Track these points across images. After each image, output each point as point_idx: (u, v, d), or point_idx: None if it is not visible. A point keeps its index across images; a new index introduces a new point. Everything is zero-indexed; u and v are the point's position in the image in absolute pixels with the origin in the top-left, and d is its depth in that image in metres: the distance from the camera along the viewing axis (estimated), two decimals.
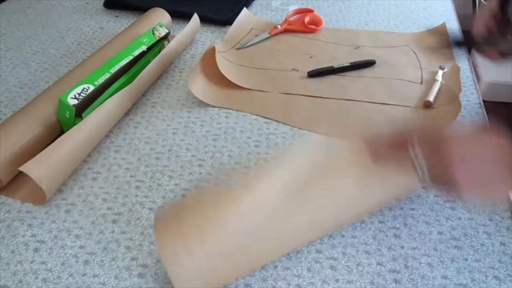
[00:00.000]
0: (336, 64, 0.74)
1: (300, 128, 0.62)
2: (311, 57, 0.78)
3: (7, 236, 0.48)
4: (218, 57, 0.70)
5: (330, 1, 1.01)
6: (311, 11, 0.89)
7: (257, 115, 0.65)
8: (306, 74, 0.73)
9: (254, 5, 0.98)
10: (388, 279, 0.44)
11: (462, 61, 0.78)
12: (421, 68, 0.75)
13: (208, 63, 0.70)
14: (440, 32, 0.83)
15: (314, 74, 0.73)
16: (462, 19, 0.96)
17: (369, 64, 0.76)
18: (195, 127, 0.63)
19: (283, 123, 0.63)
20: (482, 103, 0.68)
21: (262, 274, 0.44)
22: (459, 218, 0.50)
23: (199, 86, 0.67)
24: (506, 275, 0.44)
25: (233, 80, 0.69)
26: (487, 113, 0.66)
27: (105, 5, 0.97)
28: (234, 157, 0.58)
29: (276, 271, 0.45)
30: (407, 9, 0.97)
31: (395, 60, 0.78)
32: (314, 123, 0.63)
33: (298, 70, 0.75)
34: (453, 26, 0.89)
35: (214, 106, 0.66)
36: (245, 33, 0.83)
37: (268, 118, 0.64)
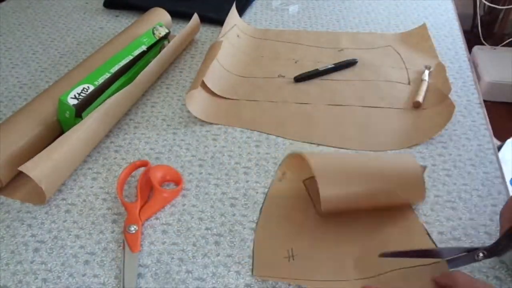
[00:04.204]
0: (321, 67, 0.74)
1: (294, 140, 0.61)
2: (296, 62, 0.78)
3: (7, 236, 0.48)
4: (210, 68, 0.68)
5: (330, 1, 1.01)
6: (145, 163, 0.54)
7: (250, 130, 0.63)
8: (293, 80, 0.72)
9: (254, 5, 0.98)
10: None
11: (463, 60, 0.78)
12: (406, 68, 0.75)
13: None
14: (420, 33, 0.83)
15: (301, 78, 0.72)
16: (463, 19, 0.96)
17: (351, 63, 0.76)
18: (195, 127, 0.63)
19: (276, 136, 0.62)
20: (483, 103, 0.68)
21: None
22: (460, 218, 0.50)
23: (196, 101, 0.65)
24: (507, 275, 0.44)
25: (219, 93, 0.68)
26: (487, 113, 0.66)
27: (105, 5, 0.97)
28: (234, 157, 0.58)
29: None
30: (408, 9, 0.97)
31: (380, 61, 0.77)
32: (308, 133, 0.62)
33: (284, 76, 0.73)
34: (454, 26, 0.89)
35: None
36: (229, 27, 0.82)
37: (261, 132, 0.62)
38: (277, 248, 0.46)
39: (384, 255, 0.43)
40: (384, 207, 0.49)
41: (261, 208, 0.51)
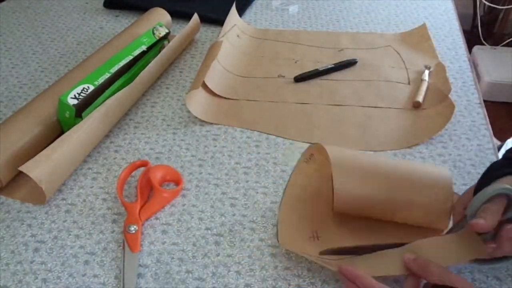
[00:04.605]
0: (321, 67, 0.74)
1: (294, 140, 0.61)
2: (296, 62, 0.78)
3: (7, 236, 0.48)
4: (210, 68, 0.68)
5: (330, 1, 1.01)
6: (145, 163, 0.54)
7: (250, 130, 0.63)
8: (293, 80, 0.72)
9: (254, 5, 0.98)
10: (389, 278, 0.44)
11: (463, 60, 0.78)
12: (406, 68, 0.75)
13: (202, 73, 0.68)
14: (420, 33, 0.84)
15: (300, 78, 0.72)
16: (463, 19, 0.95)
17: (351, 63, 0.76)
18: (195, 127, 0.63)
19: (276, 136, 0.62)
20: (483, 103, 0.68)
21: (262, 274, 0.44)
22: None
23: (196, 101, 0.65)
24: (506, 275, 0.44)
25: (219, 93, 0.68)
26: (487, 113, 0.66)
27: (105, 5, 0.97)
28: (234, 157, 0.58)
29: (276, 271, 0.44)
30: (407, 9, 0.97)
31: (379, 61, 0.78)
32: (308, 133, 0.62)
33: (284, 76, 0.73)
34: (454, 26, 0.89)
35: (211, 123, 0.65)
36: (229, 27, 0.82)
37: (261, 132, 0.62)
38: (302, 229, 0.46)
39: (326, 252, 0.43)
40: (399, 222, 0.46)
41: (284, 189, 0.49)
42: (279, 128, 0.63)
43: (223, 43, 0.74)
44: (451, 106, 0.63)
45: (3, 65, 0.77)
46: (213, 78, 0.69)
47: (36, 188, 0.49)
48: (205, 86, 0.67)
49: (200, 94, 0.66)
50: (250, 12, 0.96)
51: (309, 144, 0.50)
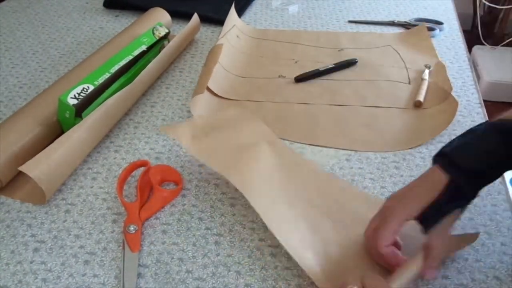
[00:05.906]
0: (321, 67, 0.74)
1: (297, 142, 0.60)
2: (296, 62, 0.78)
3: (7, 236, 0.48)
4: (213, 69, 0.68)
5: (330, 1, 1.01)
6: (145, 163, 0.53)
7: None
8: (293, 80, 0.72)
9: (254, 5, 0.98)
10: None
11: (463, 60, 0.78)
12: (406, 68, 0.75)
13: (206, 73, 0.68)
14: (419, 33, 0.84)
15: (301, 79, 0.72)
16: (463, 19, 0.96)
17: (351, 63, 0.76)
18: None
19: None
20: (483, 103, 0.68)
21: (262, 274, 0.44)
22: (460, 219, 0.50)
23: (200, 107, 0.65)
24: (506, 275, 0.44)
25: (220, 94, 0.68)
26: (487, 113, 0.66)
27: (105, 5, 0.97)
28: None
29: (276, 271, 0.44)
30: (408, 9, 0.97)
31: (379, 60, 0.78)
32: (313, 135, 0.61)
33: (285, 76, 0.73)
34: (454, 26, 0.89)
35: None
36: (229, 28, 0.82)
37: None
38: None
39: None
40: None
41: None
42: (283, 131, 0.62)
43: (223, 44, 0.74)
44: (455, 104, 0.63)
45: (3, 65, 0.77)
46: (214, 79, 0.69)
47: (36, 188, 0.49)
48: (207, 89, 0.67)
49: (203, 99, 0.66)
50: (250, 12, 0.96)
51: None
